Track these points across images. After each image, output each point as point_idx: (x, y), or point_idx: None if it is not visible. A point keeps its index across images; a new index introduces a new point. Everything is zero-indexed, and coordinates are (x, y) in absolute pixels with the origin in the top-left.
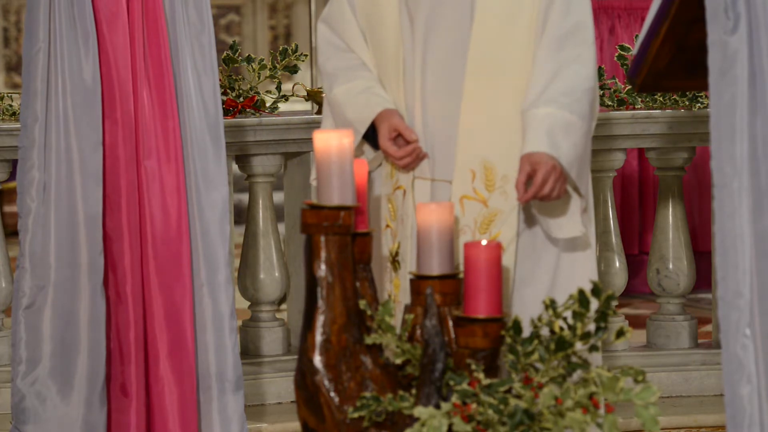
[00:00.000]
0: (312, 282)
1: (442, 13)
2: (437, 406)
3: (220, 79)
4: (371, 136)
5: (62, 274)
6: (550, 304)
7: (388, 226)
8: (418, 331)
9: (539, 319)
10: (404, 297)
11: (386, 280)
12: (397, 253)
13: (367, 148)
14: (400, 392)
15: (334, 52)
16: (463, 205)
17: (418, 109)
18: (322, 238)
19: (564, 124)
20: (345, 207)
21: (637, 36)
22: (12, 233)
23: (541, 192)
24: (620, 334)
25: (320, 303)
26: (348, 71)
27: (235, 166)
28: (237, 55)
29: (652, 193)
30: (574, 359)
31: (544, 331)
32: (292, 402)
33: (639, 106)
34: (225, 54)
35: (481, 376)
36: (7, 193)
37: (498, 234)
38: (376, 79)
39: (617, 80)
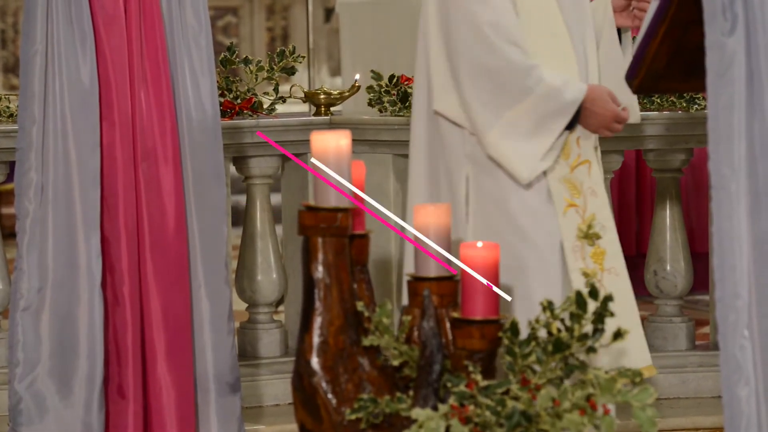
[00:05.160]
0: (309, 284)
1: None
2: (434, 408)
3: (217, 81)
4: None
5: (60, 276)
6: (548, 306)
7: (572, 205)
8: (416, 333)
9: (536, 320)
10: (614, 260)
11: (575, 258)
12: (590, 226)
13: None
14: (398, 394)
15: (518, 48)
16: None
17: (596, 76)
18: (320, 240)
19: None
20: (342, 209)
21: (634, 37)
22: (10, 235)
23: None
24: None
25: (317, 305)
26: (540, 65)
27: (232, 168)
28: (234, 56)
29: (649, 195)
30: (571, 361)
31: (542, 333)
32: (289, 404)
33: None
34: (222, 55)
35: (478, 377)
36: (4, 194)
37: None
38: None
39: None
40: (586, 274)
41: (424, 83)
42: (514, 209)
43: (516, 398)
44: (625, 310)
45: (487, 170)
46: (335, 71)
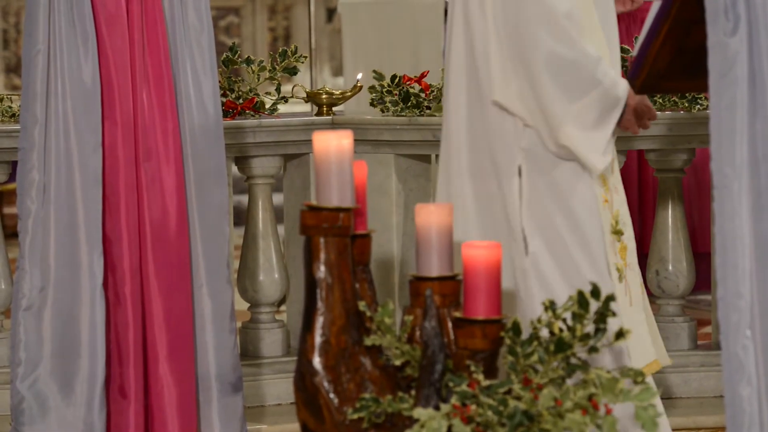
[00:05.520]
0: (311, 283)
1: None
2: (436, 408)
3: (219, 81)
4: None
5: (62, 276)
6: (550, 306)
7: (605, 200)
8: (418, 333)
9: (538, 320)
10: (632, 256)
11: (610, 253)
12: (616, 222)
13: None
14: (400, 393)
15: (585, 43)
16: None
17: (619, 71)
18: (322, 240)
19: None
20: (344, 208)
21: (636, 37)
22: (12, 235)
23: None
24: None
25: (319, 304)
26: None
27: (234, 168)
28: (236, 56)
29: (651, 195)
30: (573, 360)
31: (544, 333)
32: (291, 403)
33: None
34: (224, 55)
35: (480, 377)
36: (6, 194)
37: None
38: None
39: None
40: (618, 269)
41: (463, 73)
42: (573, 204)
43: (518, 398)
44: (643, 305)
45: (545, 164)
46: (337, 71)
